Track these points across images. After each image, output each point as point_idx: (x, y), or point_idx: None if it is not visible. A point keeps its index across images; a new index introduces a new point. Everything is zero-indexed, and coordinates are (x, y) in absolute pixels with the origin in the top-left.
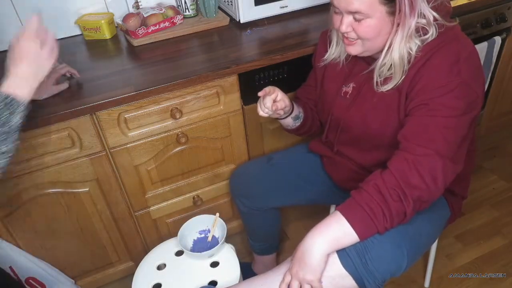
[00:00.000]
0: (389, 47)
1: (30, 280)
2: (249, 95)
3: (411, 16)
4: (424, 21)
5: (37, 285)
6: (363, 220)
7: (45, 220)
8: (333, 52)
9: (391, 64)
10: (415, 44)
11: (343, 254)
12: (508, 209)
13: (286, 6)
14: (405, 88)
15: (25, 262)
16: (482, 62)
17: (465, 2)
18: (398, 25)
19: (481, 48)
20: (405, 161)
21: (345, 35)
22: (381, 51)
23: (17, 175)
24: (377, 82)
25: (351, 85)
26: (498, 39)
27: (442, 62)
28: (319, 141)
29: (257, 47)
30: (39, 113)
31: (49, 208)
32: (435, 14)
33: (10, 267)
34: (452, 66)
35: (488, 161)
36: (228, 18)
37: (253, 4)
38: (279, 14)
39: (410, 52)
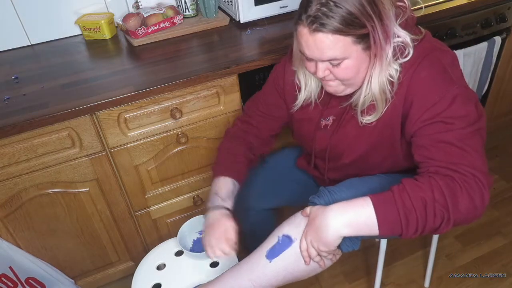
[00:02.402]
0: (368, 81)
1: (30, 280)
2: (249, 95)
3: (387, 44)
4: (399, 39)
5: (37, 285)
6: (393, 224)
7: (45, 220)
8: (303, 95)
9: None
10: (394, 70)
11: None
12: (508, 209)
13: (286, 6)
14: (399, 109)
15: (25, 262)
16: (482, 62)
17: (465, 2)
18: (376, 55)
19: (481, 48)
20: (454, 181)
21: (323, 79)
22: (362, 85)
23: (17, 175)
24: (360, 113)
25: (331, 118)
26: (498, 39)
27: (429, 73)
28: (306, 161)
29: (257, 47)
30: (39, 113)
31: (49, 208)
32: (407, 33)
33: (10, 267)
34: (443, 75)
35: (489, 161)
36: (228, 18)
37: (253, 4)
38: (279, 14)
39: (391, 79)
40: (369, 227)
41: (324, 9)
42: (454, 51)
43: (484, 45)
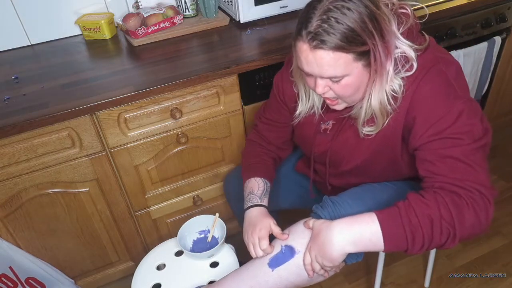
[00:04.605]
0: (368, 97)
1: (30, 280)
2: (249, 95)
3: (387, 60)
4: (400, 50)
5: (37, 285)
6: (398, 241)
7: (45, 220)
8: (305, 104)
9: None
10: (398, 85)
11: (318, 218)
12: (508, 209)
13: (286, 6)
14: (401, 121)
15: (25, 262)
16: (482, 62)
17: (465, 2)
18: (376, 72)
19: (481, 48)
20: (460, 197)
21: (323, 95)
22: (362, 100)
23: (17, 175)
24: (362, 124)
25: (330, 122)
26: (498, 39)
27: (433, 88)
28: (305, 165)
29: (257, 47)
30: (39, 113)
31: (49, 208)
32: (410, 43)
33: (10, 267)
34: (447, 89)
35: (488, 161)
36: (228, 18)
37: (253, 4)
38: (279, 14)
39: (395, 94)
40: (374, 244)
41: (325, 25)
42: (454, 51)
43: (484, 45)
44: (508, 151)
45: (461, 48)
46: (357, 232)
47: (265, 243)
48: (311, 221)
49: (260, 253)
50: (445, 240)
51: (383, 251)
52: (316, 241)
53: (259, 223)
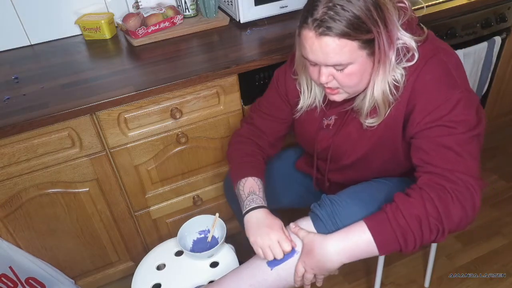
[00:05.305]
0: (371, 87)
1: (30, 280)
2: (249, 95)
3: (390, 49)
4: (401, 41)
5: (37, 285)
6: (391, 245)
7: (45, 220)
8: (307, 99)
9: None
10: (400, 75)
11: (315, 217)
12: (508, 209)
13: (286, 6)
14: (402, 111)
15: (25, 262)
16: (482, 62)
17: (465, 2)
18: (379, 61)
19: (481, 48)
20: (445, 191)
21: (325, 85)
22: (364, 90)
23: (17, 175)
24: (364, 116)
25: (333, 117)
26: (498, 39)
27: (434, 76)
28: (306, 162)
29: (257, 47)
30: (39, 113)
31: (49, 208)
32: (411, 36)
33: (10, 267)
34: (447, 78)
35: (488, 161)
36: (228, 18)
37: (253, 4)
38: (279, 14)
39: (397, 84)
40: (368, 252)
41: (331, 12)
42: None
43: (484, 45)
44: (508, 151)
45: (461, 48)
46: (351, 245)
47: (288, 244)
48: (301, 232)
49: (281, 254)
50: (435, 236)
51: (378, 255)
52: (311, 257)
53: (273, 225)
